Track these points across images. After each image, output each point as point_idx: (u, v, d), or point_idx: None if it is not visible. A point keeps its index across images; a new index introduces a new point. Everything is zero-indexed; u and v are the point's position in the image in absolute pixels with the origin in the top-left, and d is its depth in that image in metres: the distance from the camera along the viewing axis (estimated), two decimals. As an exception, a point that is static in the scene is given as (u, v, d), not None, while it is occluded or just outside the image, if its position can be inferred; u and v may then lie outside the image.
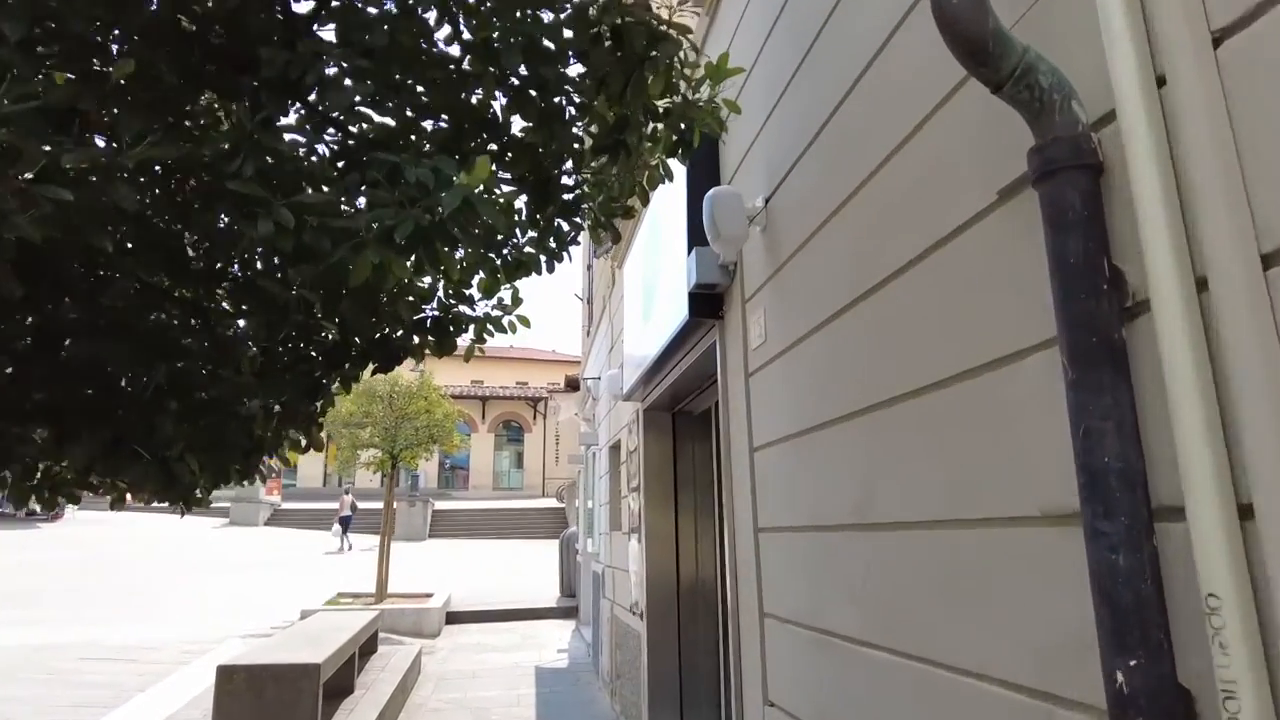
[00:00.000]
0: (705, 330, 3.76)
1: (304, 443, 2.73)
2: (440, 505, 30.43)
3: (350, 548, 22.23)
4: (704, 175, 3.67)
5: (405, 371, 13.17)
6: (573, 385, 42.56)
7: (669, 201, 4.23)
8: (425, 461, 13.86)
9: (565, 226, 2.78)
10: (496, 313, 2.90)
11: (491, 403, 41.73)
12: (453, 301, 2.85)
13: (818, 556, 2.52)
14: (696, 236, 3.54)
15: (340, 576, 15.95)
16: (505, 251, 2.76)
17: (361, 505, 27.16)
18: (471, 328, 2.88)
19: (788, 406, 2.81)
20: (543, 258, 2.77)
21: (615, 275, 7.92)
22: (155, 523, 26.72)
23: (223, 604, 12.24)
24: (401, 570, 16.92)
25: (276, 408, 2.48)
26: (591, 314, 11.21)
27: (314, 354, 2.46)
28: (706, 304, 3.56)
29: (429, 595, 12.52)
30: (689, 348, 4.05)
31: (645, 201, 2.91)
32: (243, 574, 15.68)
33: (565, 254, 2.86)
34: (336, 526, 23.19)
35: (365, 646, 7.91)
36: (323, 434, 2.77)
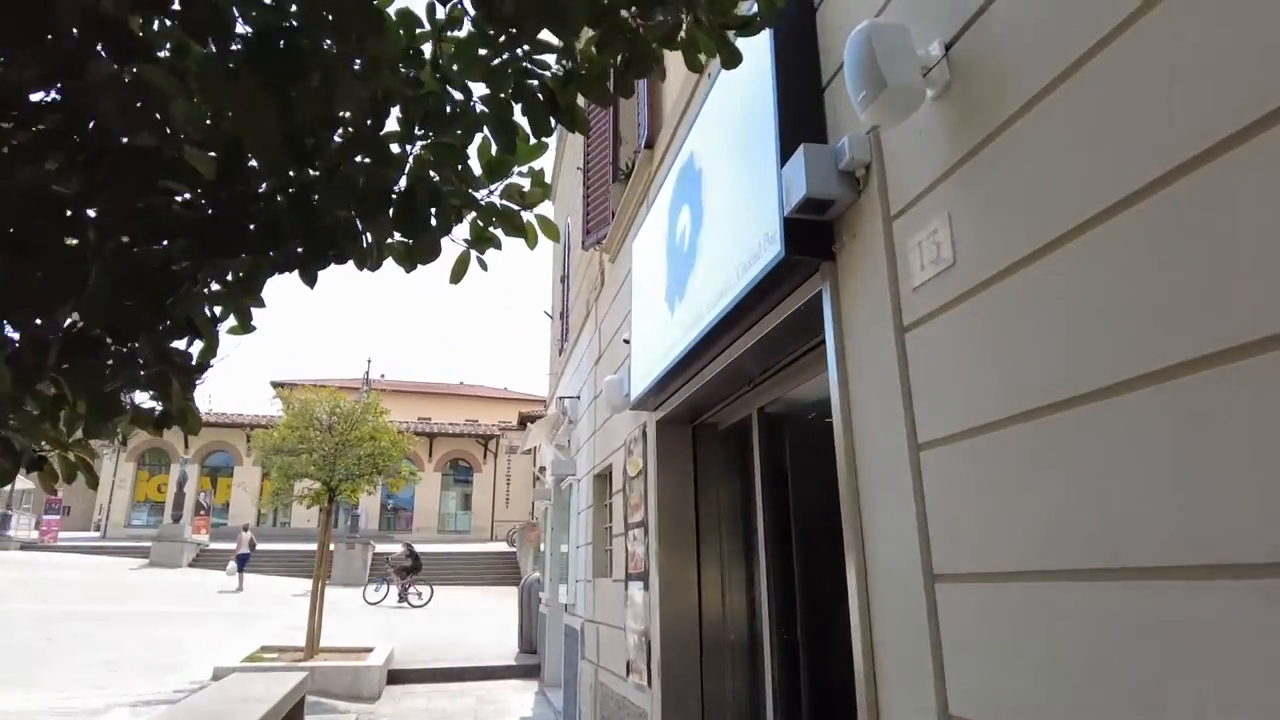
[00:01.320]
0: (800, 278, 2.58)
1: (159, 409, 1.45)
2: (382, 548, 28.39)
3: (241, 589, 20.71)
4: (796, 46, 2.54)
5: (346, 396, 11.67)
6: (527, 422, 40.78)
7: (727, 111, 3.08)
8: (368, 496, 12.32)
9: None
10: (504, 203, 1.69)
11: (439, 440, 39.88)
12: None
13: (1071, 623, 1.36)
14: (793, 134, 2.39)
15: (268, 625, 14.12)
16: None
17: (297, 546, 25.06)
18: (469, 220, 1.67)
19: (1000, 373, 1.66)
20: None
21: (603, 272, 6.74)
22: (62, 563, 24.20)
23: (123, 660, 10.43)
24: (338, 618, 15.15)
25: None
26: (566, 329, 9.98)
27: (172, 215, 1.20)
28: (810, 236, 2.39)
29: (368, 650, 10.90)
30: (764, 311, 2.87)
31: (697, 68, 1.68)
32: (154, 624, 13.75)
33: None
34: (232, 564, 21.98)
35: (290, 716, 6.38)
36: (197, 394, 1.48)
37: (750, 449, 4.18)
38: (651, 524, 4.73)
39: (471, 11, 1.43)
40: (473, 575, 26.96)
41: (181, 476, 30.81)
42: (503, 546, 31.57)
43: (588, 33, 1.50)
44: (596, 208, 6.67)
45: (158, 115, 1.07)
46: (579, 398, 8.20)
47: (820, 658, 3.64)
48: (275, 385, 10.58)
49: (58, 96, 1.09)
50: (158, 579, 22.33)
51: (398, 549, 21.31)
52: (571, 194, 9.91)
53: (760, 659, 3.86)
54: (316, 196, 1.30)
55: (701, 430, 4.70)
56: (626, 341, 5.30)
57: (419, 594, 19.79)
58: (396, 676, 10.42)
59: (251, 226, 1.26)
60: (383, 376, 46.06)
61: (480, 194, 1.65)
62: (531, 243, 1.74)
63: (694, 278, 3.46)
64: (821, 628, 4.19)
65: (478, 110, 1.53)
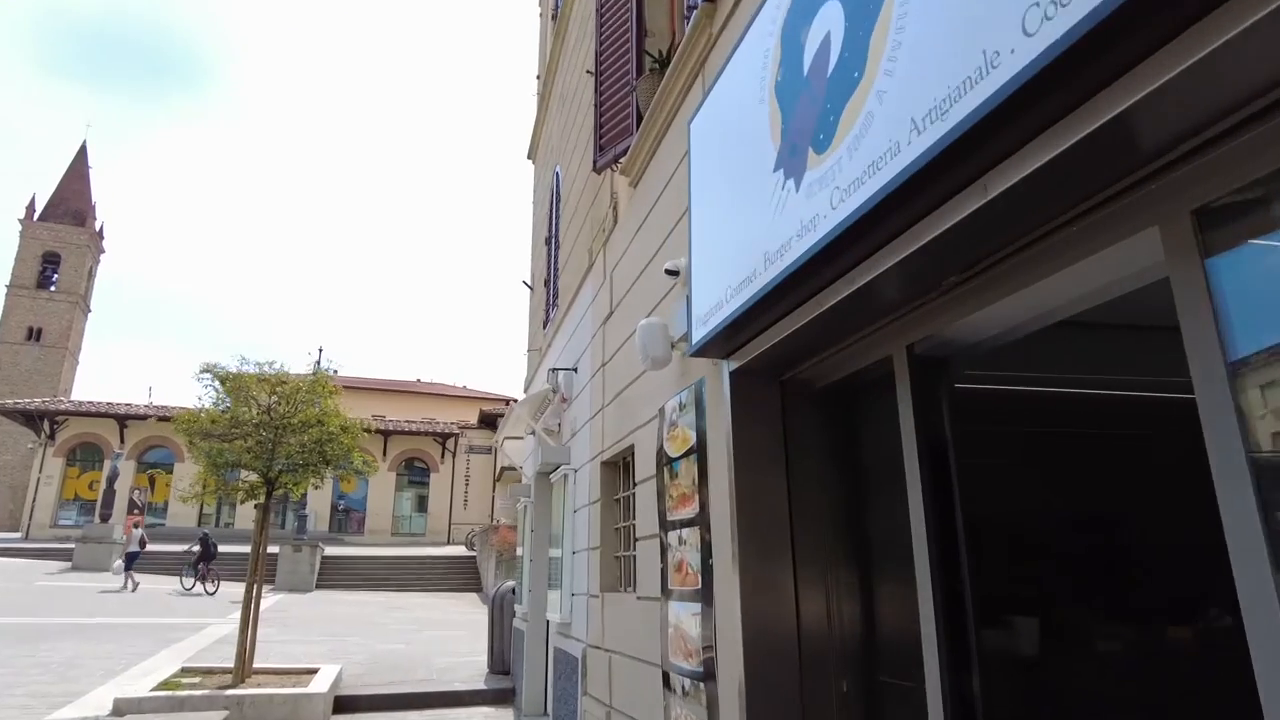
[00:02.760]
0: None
1: None
2: (331, 551, 26.45)
3: (135, 588, 19.61)
4: None
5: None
6: (487, 421, 39.31)
7: None
8: (315, 492, 10.66)
9: None
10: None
11: (395, 438, 37.91)
12: None
13: None
14: None
15: (197, 640, 12.32)
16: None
17: (242, 549, 23.05)
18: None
19: None
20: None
21: (616, 208, 5.32)
22: (-29, 568, 21.84)
23: (2, 687, 8.64)
24: (279, 630, 13.39)
25: None
26: (553, 297, 8.50)
27: None
28: None
29: (311, 672, 9.25)
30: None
31: None
32: (56, 639, 11.86)
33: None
34: (119, 563, 20.94)
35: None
36: None
37: (880, 410, 2.79)
38: (717, 519, 3.30)
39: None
40: (430, 581, 25.18)
41: (113, 472, 28.41)
42: (461, 550, 29.83)
43: None
44: (613, 117, 5.23)
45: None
46: (575, 370, 6.73)
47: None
48: (207, 367, 8.82)
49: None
50: (78, 585, 20.17)
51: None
52: (561, 139, 8.45)
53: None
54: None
55: (793, 387, 3.28)
56: (672, 272, 3.87)
57: (213, 581, 20.48)
58: (345, 704, 8.80)
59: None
60: (336, 372, 43.65)
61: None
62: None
63: (864, 105, 2.04)
64: (1039, 682, 2.85)
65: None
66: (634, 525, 4.99)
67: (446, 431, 38.24)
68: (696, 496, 3.56)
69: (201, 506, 34.41)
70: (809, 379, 3.27)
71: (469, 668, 10.82)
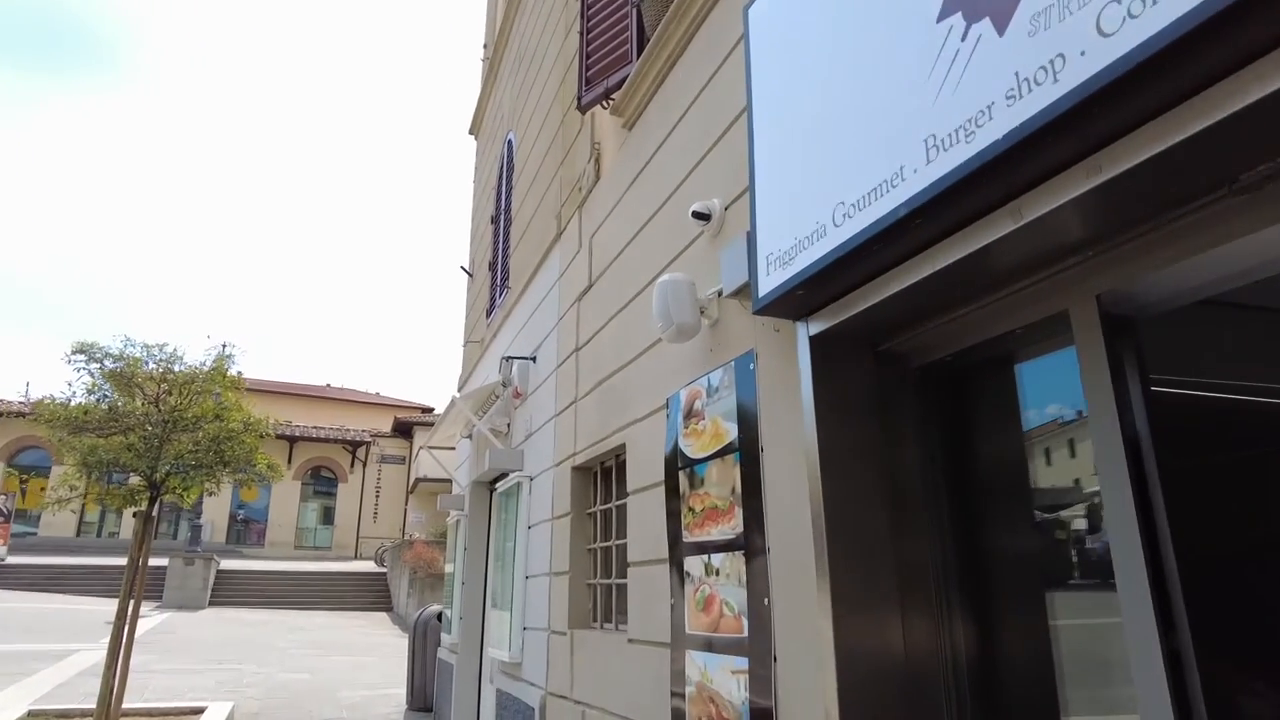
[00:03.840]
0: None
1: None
2: (228, 565, 24.29)
3: None
4: None
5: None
6: (402, 430, 37.65)
7: None
8: (211, 497, 9.23)
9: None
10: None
11: (301, 445, 35.59)
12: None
13: None
14: None
15: (58, 671, 10.60)
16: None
17: (118, 562, 20.77)
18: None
19: None
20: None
21: (599, 161, 4.42)
22: None
23: None
24: (161, 656, 11.71)
25: None
26: (500, 279, 7.45)
27: None
28: None
29: (196, 713, 7.86)
30: None
31: None
32: (-116, 670, 9.97)
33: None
34: None
35: None
36: None
37: (999, 396, 1.95)
38: (782, 541, 2.38)
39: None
40: (336, 599, 23.37)
41: (-25, 476, 25.44)
42: (370, 566, 27.99)
43: None
44: (604, 45, 4.29)
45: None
46: (533, 360, 5.71)
47: None
48: (81, 347, 7.34)
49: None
50: (-77, 603, 17.68)
51: None
52: (517, 104, 7.45)
53: None
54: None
55: (888, 362, 2.40)
56: (701, 216, 2.96)
57: None
58: (234, 751, 7.44)
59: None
60: (239, 374, 41.04)
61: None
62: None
63: None
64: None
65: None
66: (616, 546, 4.02)
67: (358, 439, 36.12)
68: (738, 511, 2.64)
69: (81, 515, 31.43)
70: (908, 352, 2.40)
71: (385, 703, 9.53)
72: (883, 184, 1.86)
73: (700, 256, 3.10)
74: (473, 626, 7.18)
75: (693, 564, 2.92)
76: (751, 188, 2.45)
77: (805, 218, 2.16)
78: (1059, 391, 2.14)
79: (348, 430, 37.03)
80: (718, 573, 2.74)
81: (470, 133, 10.55)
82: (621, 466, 4.02)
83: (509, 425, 6.30)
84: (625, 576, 3.71)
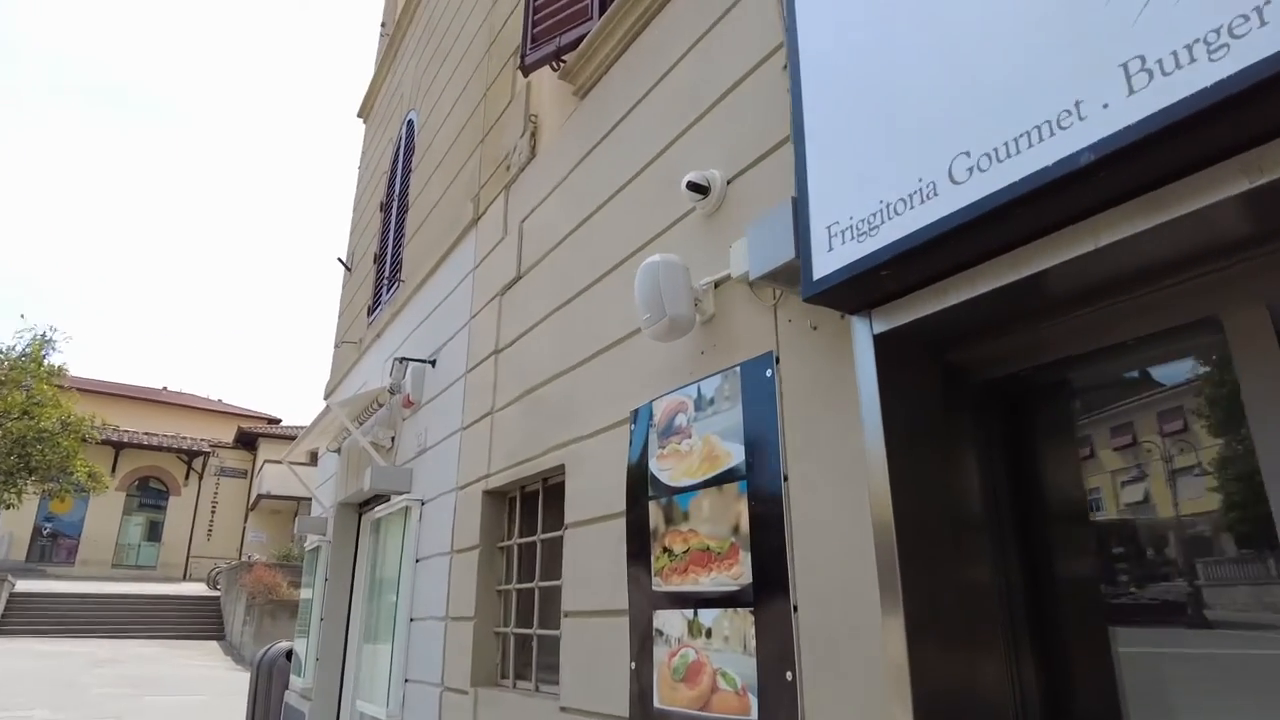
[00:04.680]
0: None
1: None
2: (26, 586, 21.11)
3: None
4: None
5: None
6: (245, 441, 35.06)
7: None
8: (9, 510, 7.70)
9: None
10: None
11: (129, 453, 32.07)
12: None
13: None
14: None
15: None
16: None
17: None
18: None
19: None
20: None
21: (535, 134, 3.82)
22: None
23: None
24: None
25: None
26: (387, 274, 6.59)
27: None
28: None
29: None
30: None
31: None
32: None
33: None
34: None
35: None
36: None
37: (1071, 420, 1.53)
38: (814, 596, 1.82)
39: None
40: (158, 626, 20.80)
41: None
42: (201, 589, 25.26)
43: None
44: (555, 3, 3.67)
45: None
46: (432, 364, 4.93)
47: None
48: None
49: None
50: None
51: None
52: (425, 78, 6.68)
53: None
54: None
55: (954, 374, 1.90)
56: (697, 188, 2.40)
57: None
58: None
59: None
60: (62, 366, 37.02)
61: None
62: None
63: None
64: None
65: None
66: (540, 590, 3.34)
67: (195, 449, 32.89)
68: (744, 556, 2.06)
69: None
70: (973, 364, 1.92)
71: (211, 757, 8.19)
72: (1046, 125, 1.36)
73: (688, 239, 2.53)
74: (331, 670, 6.18)
75: (668, 620, 2.31)
76: (798, 142, 1.91)
77: (896, 174, 1.63)
78: (1164, 410, 1.74)
79: (184, 439, 33.64)
80: (708, 634, 2.14)
81: (359, 116, 9.58)
82: (553, 492, 3.36)
83: (394, 439, 5.45)
84: (555, 627, 3.04)
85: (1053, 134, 1.35)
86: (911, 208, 1.58)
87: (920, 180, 1.58)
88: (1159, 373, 1.79)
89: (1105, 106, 1.28)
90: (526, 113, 4.12)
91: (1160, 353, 1.71)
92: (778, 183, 2.21)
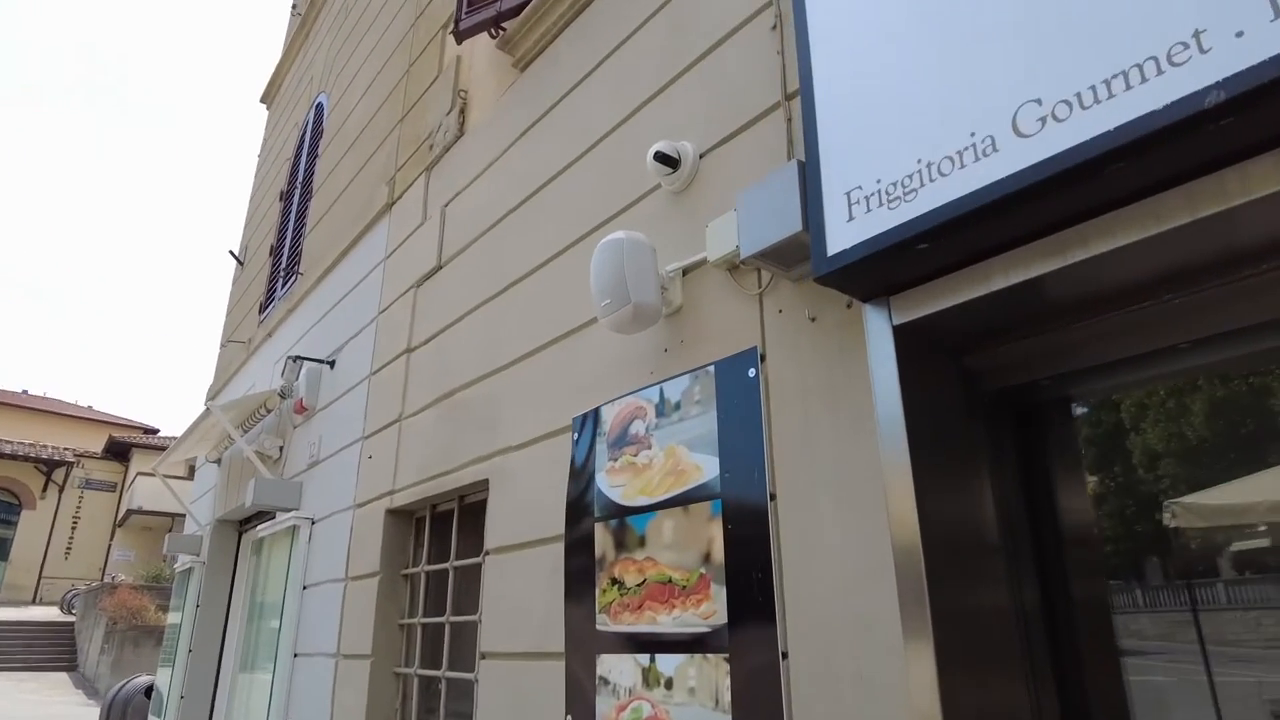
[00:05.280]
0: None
1: None
2: None
3: None
4: None
5: None
6: (116, 451, 32.80)
7: None
8: None
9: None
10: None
11: (-23, 460, 29.05)
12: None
13: None
14: None
15: None
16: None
17: None
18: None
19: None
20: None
21: (464, 110, 3.46)
22: None
23: None
24: None
25: None
26: (290, 262, 5.98)
27: None
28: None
29: None
30: None
31: None
32: None
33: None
34: None
35: None
36: None
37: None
38: (802, 641, 1.49)
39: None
40: (2, 656, 18.65)
41: None
42: (53, 614, 22.92)
43: None
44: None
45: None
46: (331, 364, 4.41)
47: None
48: None
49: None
50: None
51: None
52: (341, 58, 6.17)
53: None
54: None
55: (969, 379, 1.63)
56: (666, 160, 2.07)
57: None
58: None
59: None
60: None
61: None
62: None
63: None
64: None
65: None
66: (451, 625, 2.89)
67: (57, 459, 30.09)
68: (716, 590, 1.71)
69: None
70: (991, 369, 1.65)
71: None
72: (1151, 62, 1.09)
73: (651, 221, 2.20)
74: (198, 711, 5.44)
75: (616, 666, 1.93)
76: (805, 95, 1.60)
77: (940, 128, 1.34)
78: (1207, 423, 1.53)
79: (45, 447, 30.73)
80: (668, 684, 1.78)
81: (262, 101, 8.87)
82: (471, 512, 2.93)
83: (283, 449, 4.86)
84: (469, 670, 2.60)
85: (1160, 72, 1.09)
86: (961, 166, 1.30)
87: (973, 135, 1.29)
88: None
89: (1240, 35, 1.02)
90: (455, 88, 3.71)
91: (1218, 358, 1.48)
92: (761, 156, 1.91)
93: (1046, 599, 1.58)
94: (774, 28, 1.98)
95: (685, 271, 2.05)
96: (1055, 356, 1.58)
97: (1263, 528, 1.48)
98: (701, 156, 2.11)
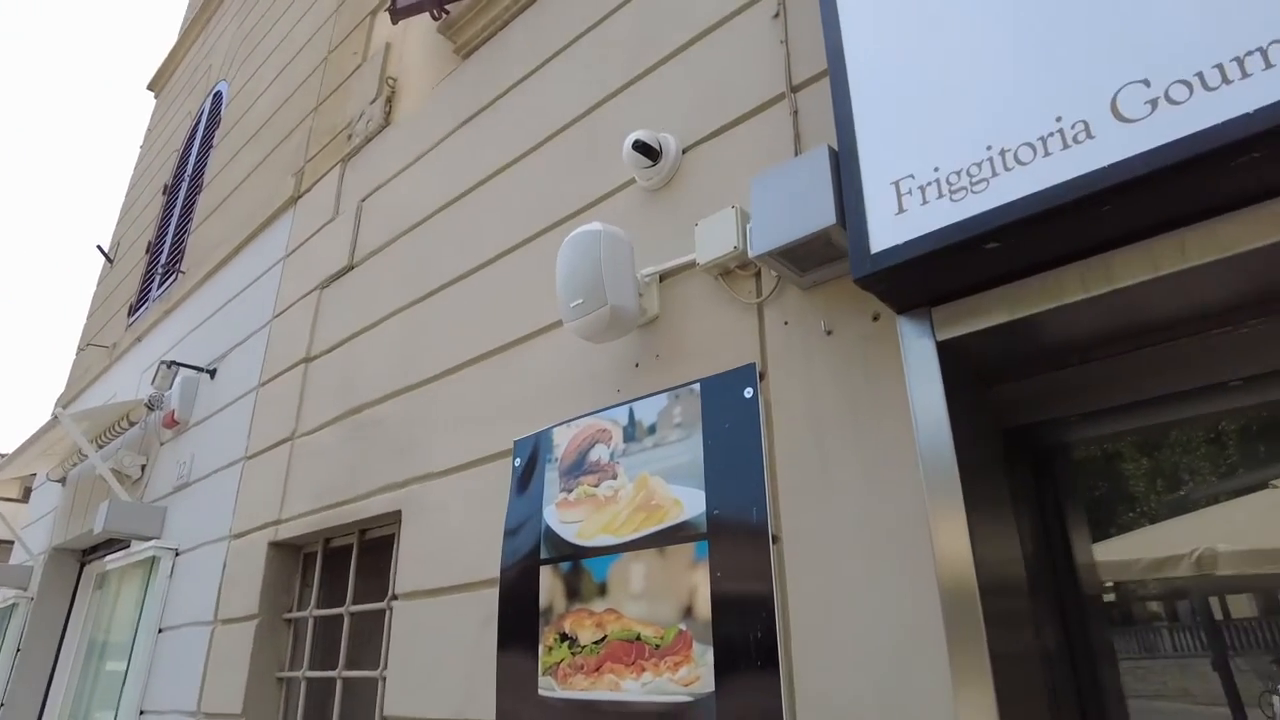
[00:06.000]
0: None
1: None
2: None
3: None
4: None
5: None
6: None
7: None
8: None
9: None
10: None
11: None
12: None
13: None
14: None
15: None
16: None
17: None
18: None
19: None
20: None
21: (391, 99, 3.17)
22: None
23: None
24: None
25: None
26: (169, 259, 5.35)
27: None
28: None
29: None
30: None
31: None
32: None
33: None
34: None
35: None
36: None
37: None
38: (809, 707, 1.22)
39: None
40: None
41: None
42: None
43: None
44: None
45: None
46: (210, 374, 3.88)
47: None
48: None
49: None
50: None
51: None
52: (248, 43, 5.67)
53: None
54: None
55: (989, 411, 1.43)
56: (645, 149, 1.82)
57: None
58: None
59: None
60: None
61: None
62: None
63: None
64: None
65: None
66: (344, 681, 2.46)
67: None
68: (700, 651, 1.43)
69: None
70: (1011, 403, 1.46)
71: None
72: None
73: (622, 220, 1.93)
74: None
75: (563, 742, 1.60)
76: (837, 72, 1.39)
77: (1018, 110, 1.15)
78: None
79: None
80: (632, 767, 1.46)
81: (150, 89, 8.12)
82: (376, 547, 2.52)
83: (145, 467, 4.24)
84: (365, 737, 2.19)
85: (1311, 50, 0.92)
86: (1046, 155, 1.10)
87: (1059, 119, 1.10)
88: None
89: None
90: (383, 75, 3.36)
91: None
92: (758, 151, 1.69)
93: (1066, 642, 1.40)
94: (776, 16, 1.78)
95: (663, 277, 1.79)
96: (1099, 389, 1.40)
97: None
98: (685, 151, 1.87)
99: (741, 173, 1.71)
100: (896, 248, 1.20)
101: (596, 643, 1.60)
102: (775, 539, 1.39)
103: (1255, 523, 1.45)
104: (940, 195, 1.18)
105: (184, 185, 5.68)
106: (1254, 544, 1.46)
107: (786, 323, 1.51)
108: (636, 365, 1.77)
